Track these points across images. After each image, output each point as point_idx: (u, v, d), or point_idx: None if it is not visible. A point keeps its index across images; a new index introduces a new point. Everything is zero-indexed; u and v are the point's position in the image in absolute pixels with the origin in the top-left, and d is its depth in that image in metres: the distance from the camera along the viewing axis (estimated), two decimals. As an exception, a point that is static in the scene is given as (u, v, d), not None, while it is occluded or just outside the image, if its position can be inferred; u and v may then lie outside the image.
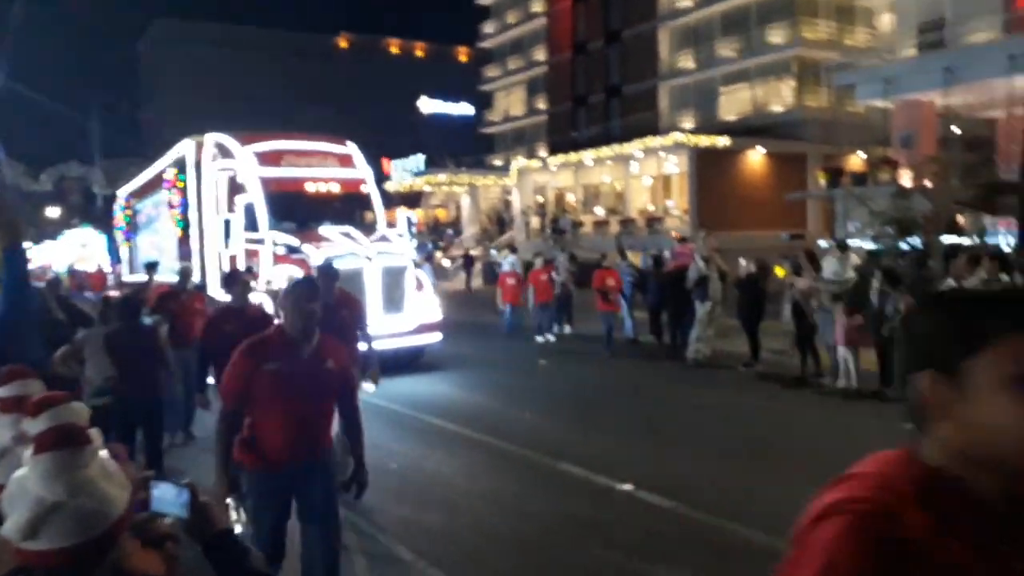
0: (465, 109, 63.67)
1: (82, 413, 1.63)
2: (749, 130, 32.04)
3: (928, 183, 19.83)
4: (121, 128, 65.13)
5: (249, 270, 11.67)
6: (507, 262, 18.77)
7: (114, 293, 12.73)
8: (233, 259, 13.05)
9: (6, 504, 1.51)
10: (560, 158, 37.22)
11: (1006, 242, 14.71)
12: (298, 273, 10.58)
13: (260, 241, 12.64)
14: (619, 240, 19.86)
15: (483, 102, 54.61)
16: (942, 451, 1.17)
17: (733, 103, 34.94)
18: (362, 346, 6.85)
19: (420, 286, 13.01)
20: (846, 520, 1.10)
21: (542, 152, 44.01)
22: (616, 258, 16.27)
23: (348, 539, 4.98)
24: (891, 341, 9.71)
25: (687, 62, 36.88)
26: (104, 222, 33.26)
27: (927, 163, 20.94)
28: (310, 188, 13.58)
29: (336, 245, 12.07)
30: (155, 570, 1.67)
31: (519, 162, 40.62)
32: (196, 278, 12.59)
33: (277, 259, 12.36)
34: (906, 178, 20.78)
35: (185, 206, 15.48)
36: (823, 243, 18.70)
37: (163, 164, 17.20)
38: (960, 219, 18.49)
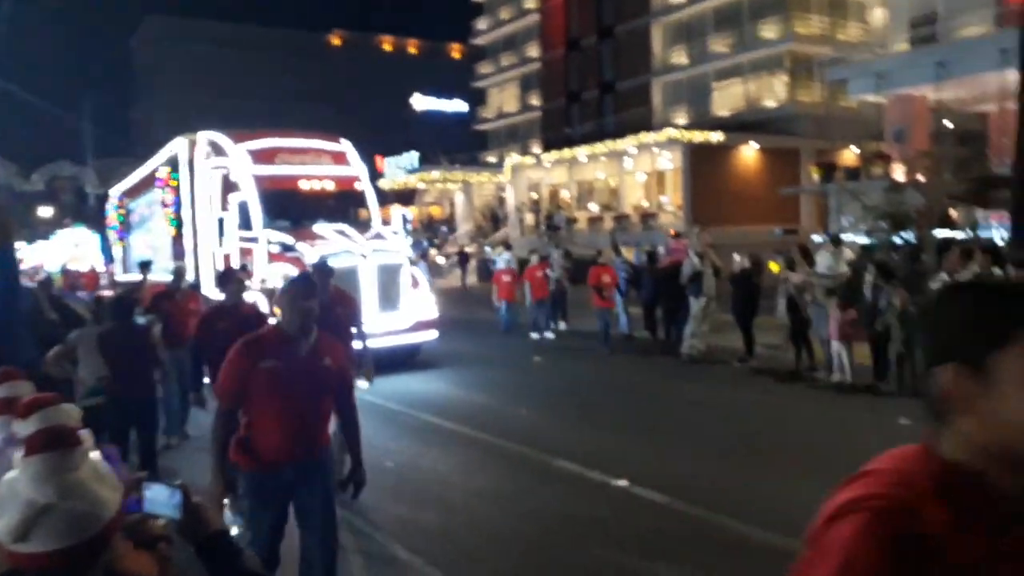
0: (458, 106, 63.58)
1: (72, 414, 1.62)
2: (742, 125, 32.07)
3: (921, 177, 19.90)
4: (113, 127, 64.93)
5: (244, 268, 11.64)
6: (502, 259, 18.77)
7: (107, 293, 12.70)
8: (227, 258, 13.02)
9: (-4, 506, 1.50)
10: (554, 154, 37.20)
11: (999, 236, 14.74)
12: (293, 271, 10.55)
13: (254, 239, 12.61)
14: (613, 236, 19.88)
15: (476, 99, 54.56)
16: (963, 446, 1.14)
17: (726, 98, 34.97)
18: (357, 344, 6.84)
19: (416, 284, 12.99)
20: (863, 518, 1.08)
21: (536, 148, 43.99)
22: (611, 254, 16.28)
23: (344, 538, 4.97)
24: (885, 335, 9.75)
25: (680, 58, 36.90)
26: (97, 221, 33.13)
27: (920, 157, 21.02)
28: (304, 186, 13.54)
29: (331, 243, 12.04)
30: (148, 571, 1.66)
31: (513, 159, 40.60)
32: (190, 277, 12.57)
33: (271, 257, 12.33)
34: (899, 172, 20.85)
35: (178, 205, 15.43)
36: (817, 238, 18.73)
37: (156, 163, 17.14)
38: (953, 213, 18.54)
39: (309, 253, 11.47)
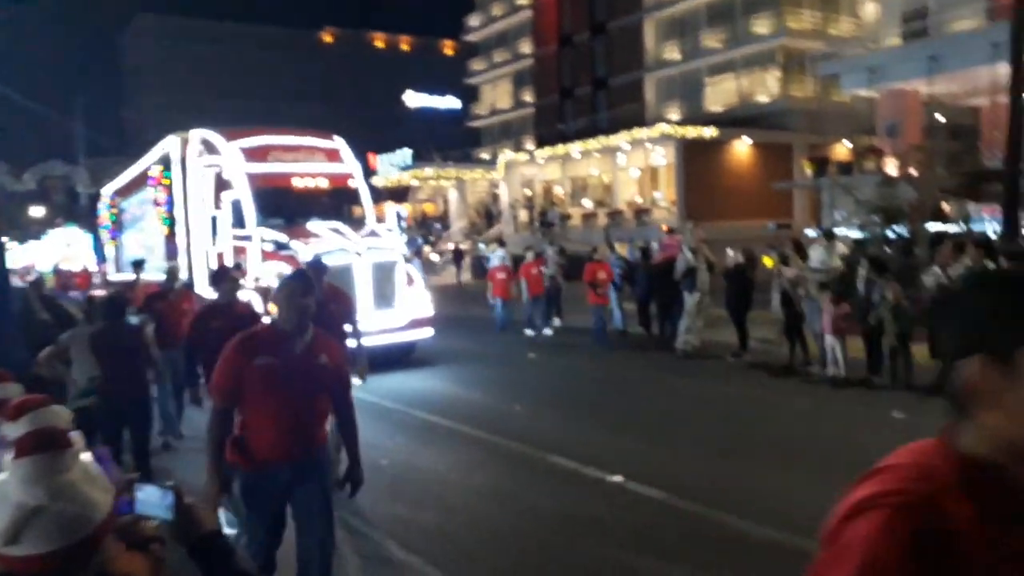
0: (451, 103, 63.52)
1: (63, 416, 1.60)
2: (735, 121, 32.11)
3: (913, 171, 19.96)
4: (104, 126, 64.62)
5: (238, 267, 11.61)
6: (496, 256, 18.73)
7: (100, 292, 12.65)
8: (220, 256, 12.97)
9: (-13, 509, 1.48)
10: (547, 151, 37.19)
11: (992, 229, 14.80)
12: (287, 270, 10.52)
13: (248, 238, 12.56)
14: (607, 232, 19.88)
15: (469, 95, 54.51)
16: (986, 440, 1.10)
17: (719, 94, 35.01)
18: (351, 342, 6.83)
19: (411, 281, 12.96)
20: (882, 514, 1.04)
21: (529, 145, 43.97)
22: (606, 251, 16.27)
23: (340, 537, 4.96)
24: (878, 329, 9.77)
25: (673, 53, 36.91)
26: (89, 221, 33.02)
27: (912, 151, 21.09)
28: (297, 183, 13.49)
29: (325, 241, 12.01)
30: (141, 573, 1.65)
31: (506, 155, 40.58)
32: (184, 276, 12.52)
33: (265, 256, 12.29)
34: (891, 167, 20.92)
35: (171, 203, 15.37)
36: (810, 232, 18.79)
37: (148, 161, 17.07)
38: (945, 207, 18.61)
39: (303, 251, 11.43)
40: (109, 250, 23.00)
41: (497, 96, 51.11)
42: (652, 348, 13.64)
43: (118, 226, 21.46)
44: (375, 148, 42.93)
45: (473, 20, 51.72)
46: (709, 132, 30.53)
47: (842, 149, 28.74)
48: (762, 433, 8.15)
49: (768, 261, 12.23)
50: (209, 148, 13.83)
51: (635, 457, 7.30)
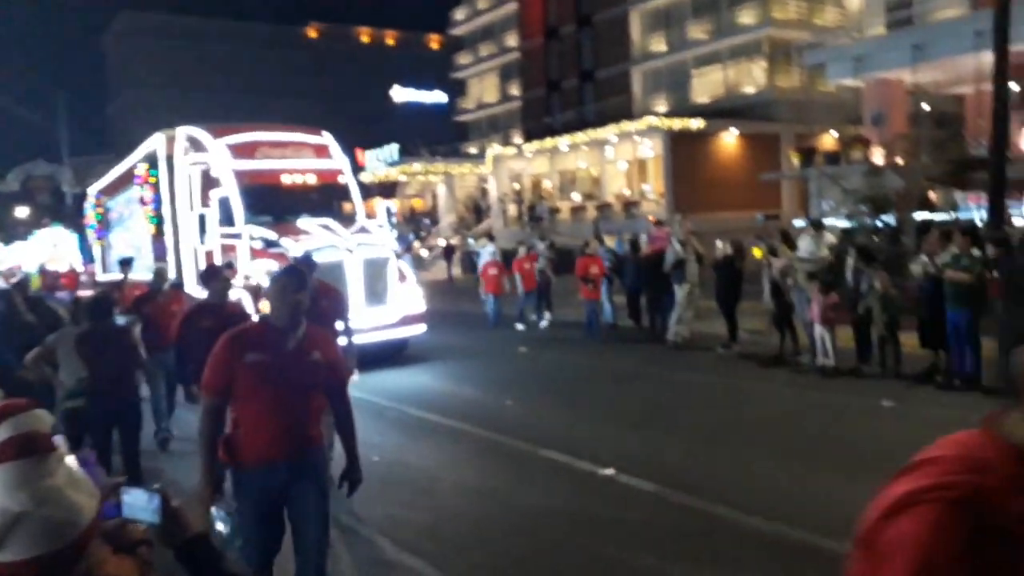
0: (438, 97, 63.34)
1: (45, 420, 1.58)
2: (722, 112, 32.14)
3: (900, 160, 20.04)
4: (89, 125, 64.21)
5: (229, 266, 11.54)
6: (486, 251, 18.71)
7: (87, 292, 12.56)
8: (209, 255, 12.90)
9: (-30, 517, 1.46)
10: (535, 144, 37.15)
11: (979, 217, 14.89)
12: (277, 267, 10.46)
13: (236, 236, 12.48)
14: (596, 226, 19.88)
15: (456, 90, 54.36)
16: None
17: (706, 85, 35.03)
18: (342, 339, 6.80)
19: (403, 277, 12.91)
20: (934, 510, 0.97)
21: (517, 139, 43.91)
22: (596, 245, 16.28)
23: (332, 536, 4.94)
24: (867, 318, 9.82)
25: (659, 45, 36.90)
26: (75, 221, 32.78)
27: (898, 140, 21.18)
28: (286, 180, 13.40)
29: (315, 237, 11.95)
30: (129, 576, 1.63)
31: (494, 149, 40.51)
32: (172, 275, 12.44)
33: (255, 253, 12.21)
34: (878, 156, 20.99)
35: (158, 202, 15.26)
36: (798, 222, 18.84)
37: (133, 160, 16.94)
38: (932, 195, 18.70)
39: (293, 248, 11.37)
40: (96, 250, 22.85)
41: (484, 90, 51.00)
42: (642, 341, 13.67)
43: (104, 225, 21.31)
44: (362, 144, 42.74)
45: (458, 14, 51.55)
46: (696, 124, 30.57)
47: (829, 139, 28.81)
48: (752, 424, 8.18)
49: (757, 252, 12.27)
50: (196, 145, 13.73)
51: (626, 449, 7.31)
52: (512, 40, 46.71)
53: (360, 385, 7.39)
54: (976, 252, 8.97)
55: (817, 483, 6.13)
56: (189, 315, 6.67)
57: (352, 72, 78.80)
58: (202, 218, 12.99)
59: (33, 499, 1.45)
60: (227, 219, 12.69)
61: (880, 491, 1.06)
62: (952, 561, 0.93)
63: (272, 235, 12.10)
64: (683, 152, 30.17)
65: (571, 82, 41.90)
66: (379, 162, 41.61)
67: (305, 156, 13.89)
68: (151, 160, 15.41)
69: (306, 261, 6.67)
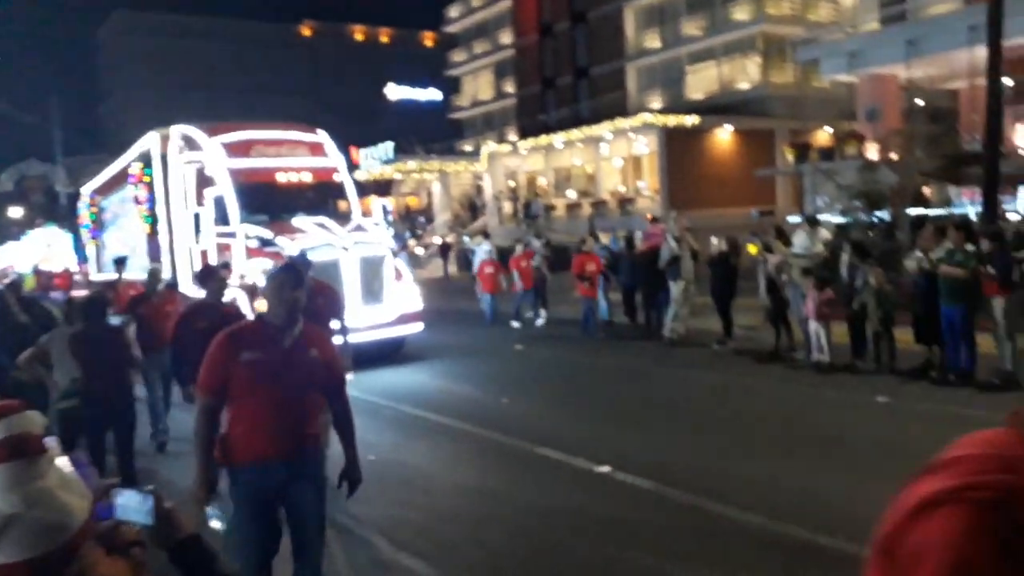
0: (433, 95, 63.22)
1: (37, 421, 1.57)
2: (716, 108, 32.15)
3: (894, 156, 20.06)
4: (82, 124, 63.97)
5: (225, 265, 11.51)
6: (482, 250, 18.67)
7: (82, 292, 12.51)
8: (204, 254, 12.86)
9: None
10: (530, 142, 37.12)
11: (974, 212, 14.93)
12: (272, 266, 10.43)
13: (232, 235, 12.44)
14: (592, 223, 19.87)
15: (451, 87, 54.27)
16: None
17: (700, 82, 35.04)
18: (337, 338, 6.79)
19: (399, 276, 12.87)
20: (965, 511, 0.91)
21: (512, 136, 43.87)
22: (592, 242, 16.27)
23: (328, 535, 4.94)
24: (861, 313, 9.83)
25: (653, 41, 36.90)
26: (69, 220, 32.68)
27: (892, 136, 21.20)
28: (281, 178, 13.35)
29: (311, 236, 11.92)
30: (122, 578, 1.63)
31: (489, 147, 40.46)
32: (167, 275, 12.40)
33: (250, 252, 12.18)
34: (872, 151, 21.02)
35: (152, 201, 15.21)
36: (793, 218, 18.87)
37: (128, 159, 16.88)
38: (926, 190, 18.74)
39: (289, 247, 11.34)
40: (90, 249, 22.78)
41: (479, 87, 50.93)
42: (638, 337, 13.67)
43: (99, 225, 21.25)
44: (357, 142, 42.63)
45: (452, 11, 51.46)
46: (691, 120, 30.57)
47: (823, 135, 28.83)
48: (748, 420, 8.19)
49: (752, 248, 12.29)
50: (190, 144, 13.68)
51: (622, 447, 7.32)
52: (506, 37, 46.65)
53: (356, 384, 7.37)
54: (970, 247, 8.99)
55: (812, 479, 6.14)
56: (185, 315, 6.66)
57: (346, 70, 78.66)
58: (197, 217, 12.95)
59: (24, 501, 1.44)
60: (222, 218, 12.65)
61: (900, 491, 1.01)
62: (987, 564, 0.88)
63: (268, 234, 12.07)
64: (678, 149, 30.18)
65: (566, 79, 41.87)
66: (374, 160, 41.53)
67: (300, 154, 13.84)
68: (145, 159, 15.36)
69: (301, 260, 6.66)
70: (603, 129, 32.49)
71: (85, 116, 71.10)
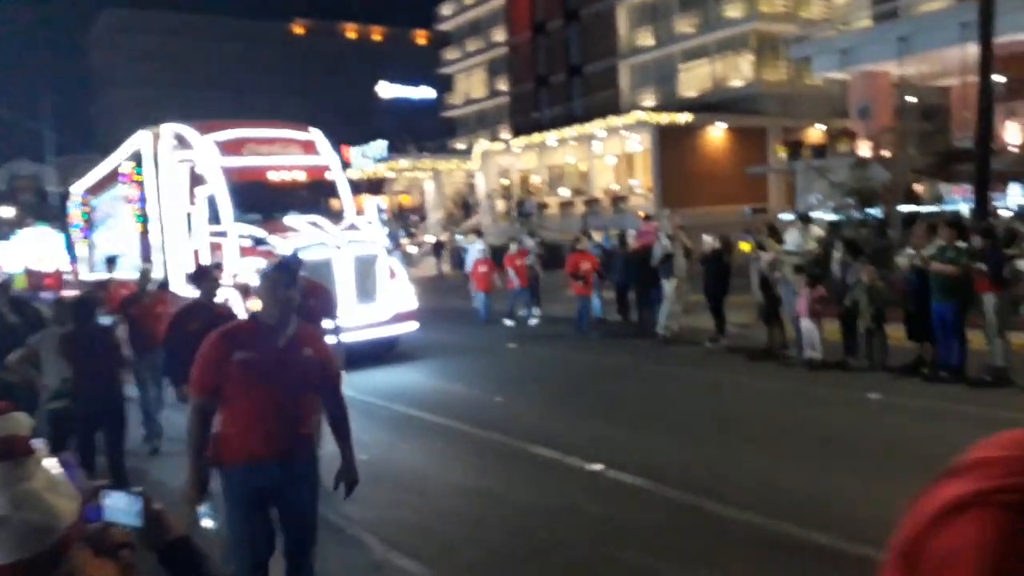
0: (425, 93, 63.08)
1: (24, 423, 1.56)
2: (709, 106, 32.21)
3: (886, 153, 20.12)
4: (73, 123, 63.66)
5: (218, 266, 11.46)
6: (475, 249, 18.66)
7: (73, 292, 12.45)
8: (196, 254, 12.81)
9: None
10: (523, 140, 37.12)
11: (966, 209, 14.99)
12: (265, 265, 10.38)
13: (224, 234, 12.39)
14: (585, 221, 19.88)
15: (443, 85, 54.22)
16: None
17: (693, 79, 35.08)
18: (330, 338, 6.77)
19: (393, 274, 12.83)
20: (995, 515, 0.87)
21: (505, 134, 43.85)
22: (587, 241, 16.28)
23: (320, 535, 4.92)
24: (853, 311, 9.86)
25: (646, 39, 36.92)
26: (60, 220, 32.52)
27: (884, 133, 21.26)
28: (274, 177, 13.29)
29: (304, 235, 11.88)
30: (111, 580, 1.62)
31: (482, 145, 40.45)
32: (159, 275, 12.34)
33: (243, 251, 12.11)
34: (864, 148, 21.07)
35: (144, 200, 15.14)
36: (785, 216, 18.91)
37: (119, 158, 16.79)
38: (917, 187, 18.79)
39: (282, 246, 11.29)
40: (81, 249, 22.68)
41: (471, 85, 50.90)
42: (630, 335, 13.68)
43: (90, 225, 21.15)
44: (349, 140, 42.55)
45: (445, 9, 51.41)
46: (684, 118, 30.61)
47: (816, 132, 28.94)
48: (741, 418, 8.20)
49: (745, 246, 12.31)
50: (182, 142, 13.62)
51: (615, 445, 7.32)
52: (499, 35, 46.62)
53: (349, 383, 7.35)
54: (961, 244, 9.02)
55: (806, 476, 6.15)
56: (179, 315, 6.63)
57: (338, 68, 78.49)
58: (189, 216, 12.89)
59: (11, 503, 1.43)
60: (214, 217, 12.60)
61: (917, 494, 0.97)
62: (1019, 570, 0.84)
63: (260, 233, 12.01)
64: (671, 146, 30.22)
65: (559, 77, 41.87)
66: (366, 158, 41.47)
67: (293, 152, 13.79)
68: (137, 158, 15.28)
69: (293, 260, 6.62)
70: (596, 127, 32.51)
71: (76, 115, 70.77)
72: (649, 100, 35.94)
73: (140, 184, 15.27)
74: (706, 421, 8.14)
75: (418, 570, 4.98)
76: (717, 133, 31.55)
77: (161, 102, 56.47)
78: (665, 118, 30.55)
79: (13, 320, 7.55)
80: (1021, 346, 9.42)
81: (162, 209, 14.30)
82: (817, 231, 12.94)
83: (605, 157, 34.51)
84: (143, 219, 15.31)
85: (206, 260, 12.31)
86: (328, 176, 13.83)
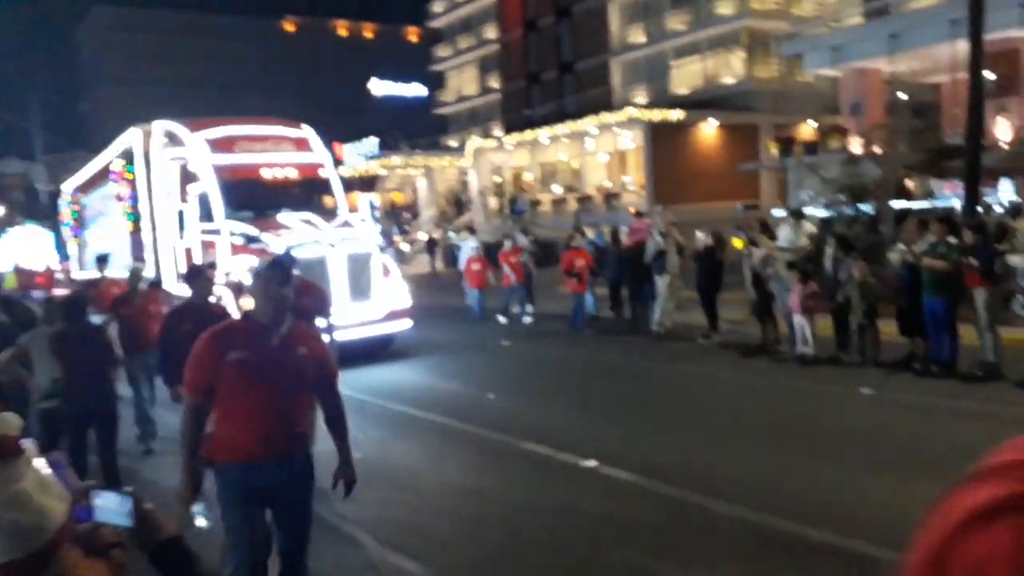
0: (417, 90, 62.93)
1: (13, 423, 1.55)
2: (701, 103, 32.25)
3: (877, 149, 20.17)
4: (62, 121, 63.32)
5: (211, 265, 11.40)
6: (468, 246, 18.63)
7: (63, 291, 12.38)
8: (188, 252, 12.75)
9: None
10: (515, 137, 37.09)
11: (957, 204, 15.04)
12: (258, 263, 10.34)
13: (216, 232, 12.33)
14: (577, 218, 19.88)
15: (435, 82, 54.13)
16: None
17: (685, 76, 35.11)
18: (324, 337, 6.75)
19: (387, 272, 12.79)
20: None
21: (497, 131, 43.80)
22: (580, 238, 16.27)
23: (313, 531, 4.91)
24: (845, 306, 9.89)
25: (638, 36, 36.93)
26: (50, 218, 32.36)
27: (876, 130, 21.30)
28: (266, 174, 13.23)
29: (297, 232, 11.83)
30: (102, 581, 1.61)
31: (474, 142, 40.40)
32: (151, 273, 12.29)
33: (235, 249, 12.06)
34: (856, 145, 21.12)
35: (135, 198, 15.07)
36: (777, 212, 18.94)
37: (109, 155, 16.72)
38: (909, 183, 18.86)
39: (275, 244, 11.25)
40: (72, 248, 22.58)
41: (463, 82, 50.82)
42: (624, 332, 13.69)
43: (80, 223, 21.07)
44: (341, 137, 42.41)
45: (436, 6, 51.31)
46: (676, 115, 30.64)
47: (807, 129, 28.98)
48: (734, 413, 8.21)
49: (737, 242, 12.33)
50: (173, 140, 13.55)
51: (609, 441, 7.33)
52: (491, 32, 46.56)
53: (343, 381, 7.34)
54: (953, 240, 9.06)
55: (799, 472, 6.17)
56: (172, 315, 6.60)
57: (330, 65, 78.27)
58: (181, 214, 12.83)
59: (1, 504, 1.42)
60: (206, 215, 12.54)
61: (943, 498, 0.94)
62: None
63: (253, 231, 11.96)
64: (663, 143, 30.25)
65: (551, 74, 41.85)
66: (359, 156, 41.36)
67: (285, 150, 13.73)
68: (127, 156, 15.21)
69: (285, 258, 6.61)
70: (588, 124, 32.51)
71: (65, 113, 70.34)
72: (641, 97, 35.96)
73: (131, 182, 15.20)
74: (699, 417, 8.16)
75: (413, 568, 4.97)
76: (709, 130, 31.59)
77: (152, 99, 56.20)
78: (657, 115, 30.57)
79: (3, 319, 7.50)
80: (1012, 341, 9.47)
81: (153, 207, 14.24)
82: (809, 227, 12.96)
83: (597, 154, 34.51)
84: (134, 217, 15.24)
85: (198, 258, 12.26)
86: (321, 173, 13.77)
